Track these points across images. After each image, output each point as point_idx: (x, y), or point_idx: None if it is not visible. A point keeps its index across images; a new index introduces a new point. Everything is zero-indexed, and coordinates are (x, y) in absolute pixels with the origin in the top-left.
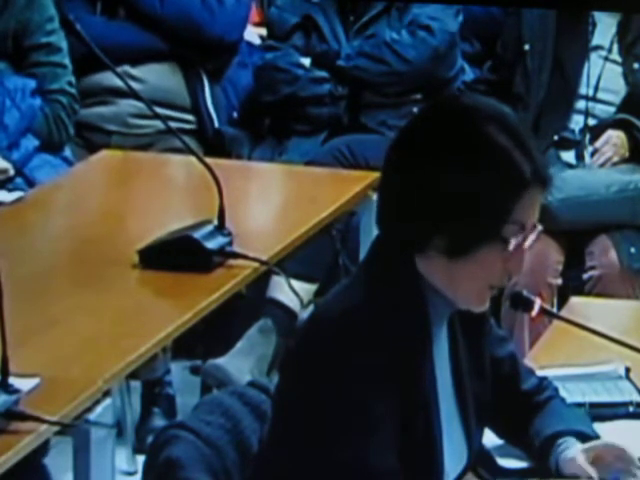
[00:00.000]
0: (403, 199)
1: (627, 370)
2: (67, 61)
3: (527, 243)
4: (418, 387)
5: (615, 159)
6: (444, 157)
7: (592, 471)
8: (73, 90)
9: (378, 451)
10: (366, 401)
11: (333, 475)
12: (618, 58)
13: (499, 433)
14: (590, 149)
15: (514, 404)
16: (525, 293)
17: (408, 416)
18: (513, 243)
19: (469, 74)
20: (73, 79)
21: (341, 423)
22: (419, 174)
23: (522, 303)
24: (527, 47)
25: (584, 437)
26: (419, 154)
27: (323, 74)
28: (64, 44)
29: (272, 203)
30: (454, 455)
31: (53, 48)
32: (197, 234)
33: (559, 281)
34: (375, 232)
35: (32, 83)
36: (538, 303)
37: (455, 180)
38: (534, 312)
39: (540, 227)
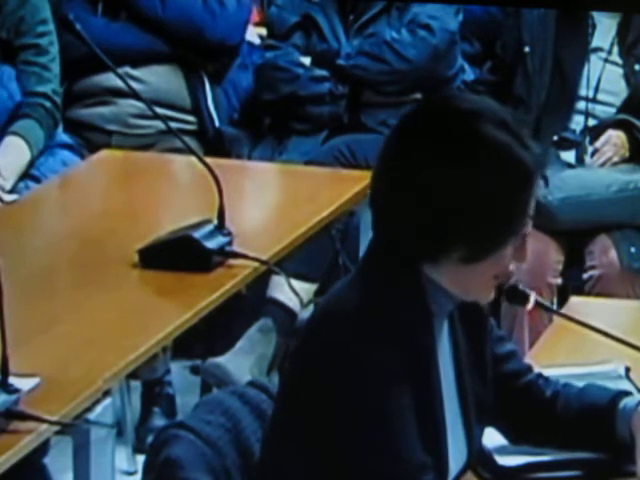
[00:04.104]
0: (411, 215)
1: (627, 370)
2: (55, 68)
3: (529, 229)
4: (426, 385)
5: (615, 159)
6: (451, 169)
7: None
8: (57, 98)
9: (408, 447)
10: (388, 399)
11: (365, 474)
12: (618, 59)
13: (503, 431)
14: (590, 149)
15: (518, 401)
16: (520, 287)
17: (417, 414)
18: (523, 233)
19: (469, 74)
20: (58, 88)
21: (366, 422)
22: (426, 190)
23: (517, 297)
24: (527, 49)
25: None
26: (422, 167)
27: (323, 73)
28: (54, 49)
29: (272, 203)
30: (455, 453)
31: (42, 50)
32: (197, 234)
33: (559, 281)
34: None
35: (9, 70)
36: (533, 296)
37: (467, 190)
38: (529, 305)
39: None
